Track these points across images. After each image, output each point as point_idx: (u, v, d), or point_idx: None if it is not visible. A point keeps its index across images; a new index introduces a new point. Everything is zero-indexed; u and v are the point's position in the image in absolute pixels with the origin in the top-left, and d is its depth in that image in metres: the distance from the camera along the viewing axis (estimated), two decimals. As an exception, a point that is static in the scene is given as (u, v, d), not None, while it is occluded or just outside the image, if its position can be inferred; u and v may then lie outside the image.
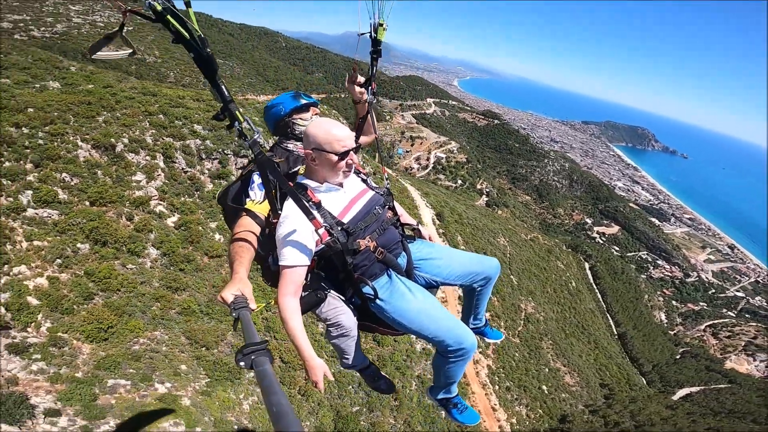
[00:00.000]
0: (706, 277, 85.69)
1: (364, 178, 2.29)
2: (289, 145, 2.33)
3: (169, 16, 1.18)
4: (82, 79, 15.01)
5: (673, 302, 73.52)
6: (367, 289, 2.00)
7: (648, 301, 66.69)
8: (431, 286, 2.27)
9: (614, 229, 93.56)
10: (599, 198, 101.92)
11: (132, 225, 10.93)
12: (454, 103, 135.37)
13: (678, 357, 53.59)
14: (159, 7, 1.16)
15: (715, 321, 67.04)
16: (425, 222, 31.82)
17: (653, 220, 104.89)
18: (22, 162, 10.04)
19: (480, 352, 25.49)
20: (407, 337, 20.94)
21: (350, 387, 14.55)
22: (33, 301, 8.00)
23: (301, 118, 2.36)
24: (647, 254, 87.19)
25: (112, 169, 11.71)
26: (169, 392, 7.77)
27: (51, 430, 6.37)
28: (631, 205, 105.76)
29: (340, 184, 2.10)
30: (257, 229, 2.05)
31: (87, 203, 10.48)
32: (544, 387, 27.45)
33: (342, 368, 2.48)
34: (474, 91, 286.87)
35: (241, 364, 1.23)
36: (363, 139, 2.62)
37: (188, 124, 14.41)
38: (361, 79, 2.49)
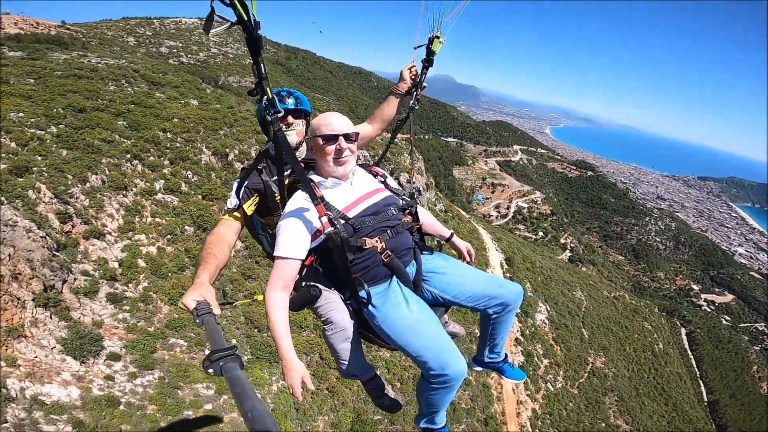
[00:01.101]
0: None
1: (382, 179, 2.34)
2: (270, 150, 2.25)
3: (236, 1, 1.35)
4: (213, 99, 21.67)
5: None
6: (362, 293, 1.98)
7: (756, 372, 60.09)
8: (438, 304, 2.22)
9: (727, 297, 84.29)
10: (711, 263, 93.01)
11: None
12: (543, 151, 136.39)
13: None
14: None
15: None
16: (492, 264, 35.36)
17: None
18: (162, 158, 15.29)
19: (528, 395, 26.88)
20: None
21: None
22: (141, 263, 11.93)
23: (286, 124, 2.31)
24: (765, 326, 77.23)
25: (222, 173, 16.35)
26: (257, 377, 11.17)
27: (104, 371, 8.90)
28: (752, 273, 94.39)
29: (348, 180, 2.16)
30: (231, 237, 2.14)
31: (199, 197, 15.16)
32: None
33: (341, 376, 2.37)
34: (568, 141, 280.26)
35: (210, 371, 1.24)
36: (366, 128, 2.69)
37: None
38: (405, 84, 2.64)
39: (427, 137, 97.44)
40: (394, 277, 2.06)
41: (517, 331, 31.03)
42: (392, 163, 28.48)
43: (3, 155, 10.68)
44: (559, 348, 32.94)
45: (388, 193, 2.23)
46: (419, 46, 2.53)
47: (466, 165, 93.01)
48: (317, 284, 2.07)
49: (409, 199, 2.32)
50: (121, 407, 8.90)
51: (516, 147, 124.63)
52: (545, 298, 37.08)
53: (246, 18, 1.40)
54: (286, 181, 2.15)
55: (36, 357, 8.64)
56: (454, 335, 2.57)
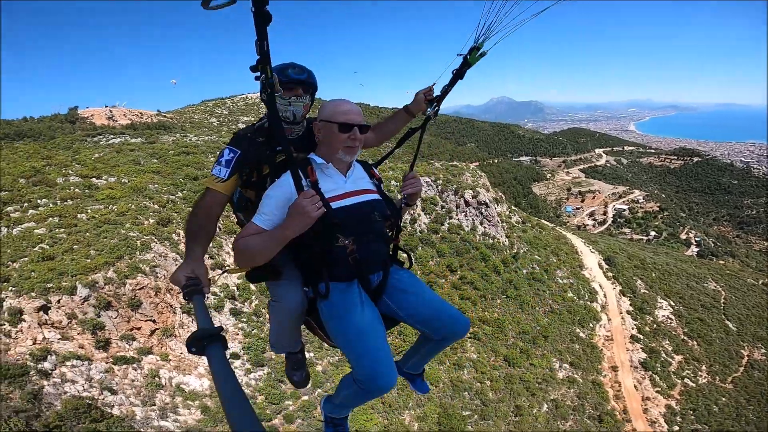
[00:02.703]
0: None
1: (377, 183, 2.36)
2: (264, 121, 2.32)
3: None
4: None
5: None
6: (321, 285, 2.02)
7: None
8: (391, 318, 2.26)
9: None
10: None
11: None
12: (631, 148, 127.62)
13: None
14: None
15: None
16: (588, 266, 33.49)
17: None
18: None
19: (658, 391, 24.77)
20: (547, 362, 22.92)
21: (465, 393, 17.74)
22: (252, 287, 14.69)
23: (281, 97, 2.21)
24: None
25: None
26: (310, 360, 13.50)
27: None
28: None
29: (345, 172, 2.19)
30: (218, 210, 2.11)
31: None
32: None
33: (270, 347, 2.51)
34: (660, 132, 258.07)
35: (193, 350, 1.26)
36: (371, 138, 2.69)
37: None
38: (417, 107, 2.64)
39: (496, 161, 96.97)
40: (356, 281, 2.11)
41: (633, 328, 28.85)
42: (453, 183, 29.73)
43: (151, 213, 14.56)
44: (695, 343, 29.39)
45: (377, 196, 2.25)
46: (461, 55, 2.46)
47: (545, 179, 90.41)
48: (279, 266, 2.13)
49: (395, 209, 2.35)
50: None
51: (599, 151, 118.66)
52: (665, 293, 33.75)
53: None
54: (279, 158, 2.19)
55: (182, 353, 11.17)
56: None
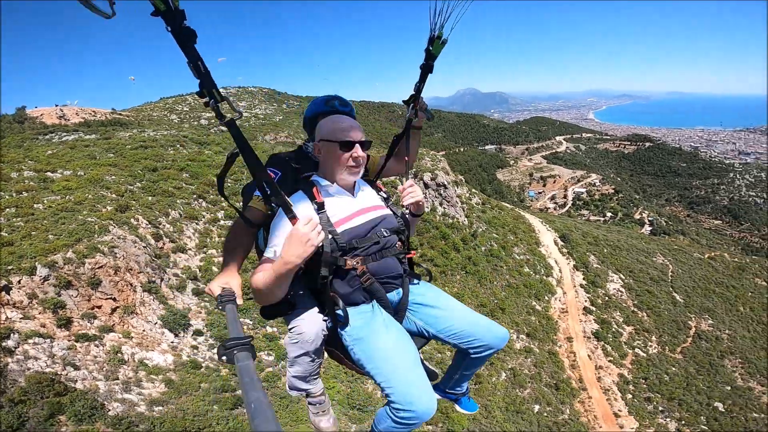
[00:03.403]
0: None
1: (385, 196, 2.30)
2: (309, 146, 2.36)
3: None
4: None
5: None
6: (339, 311, 1.95)
7: None
8: (420, 336, 2.21)
9: None
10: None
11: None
12: (588, 135, 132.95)
13: None
14: None
15: None
16: (544, 243, 35.23)
17: None
18: (219, 195, 18.61)
19: (610, 360, 26.26)
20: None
21: (427, 362, 19.07)
22: (215, 269, 15.25)
23: None
24: None
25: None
26: (274, 333, 14.17)
27: (191, 342, 11.77)
28: None
29: (352, 191, 2.15)
30: (255, 227, 2.12)
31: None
32: (719, 404, 25.82)
33: (287, 387, 2.38)
34: (617, 120, 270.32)
35: (223, 358, 1.30)
36: (395, 168, 2.65)
37: None
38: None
39: (462, 149, 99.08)
40: (375, 302, 2.05)
41: (586, 300, 30.69)
42: (413, 167, 30.76)
43: (109, 202, 14.69)
44: (644, 314, 31.59)
45: (386, 211, 2.20)
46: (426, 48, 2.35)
47: (509, 166, 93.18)
48: (293, 299, 2.07)
49: (404, 222, 2.25)
50: (202, 369, 11.43)
51: (559, 138, 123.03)
52: (616, 267, 36.07)
53: (163, 8, 1.30)
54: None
55: (144, 330, 11.56)
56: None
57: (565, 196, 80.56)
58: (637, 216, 74.42)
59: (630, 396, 24.87)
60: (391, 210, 2.25)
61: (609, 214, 74.40)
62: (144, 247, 13.14)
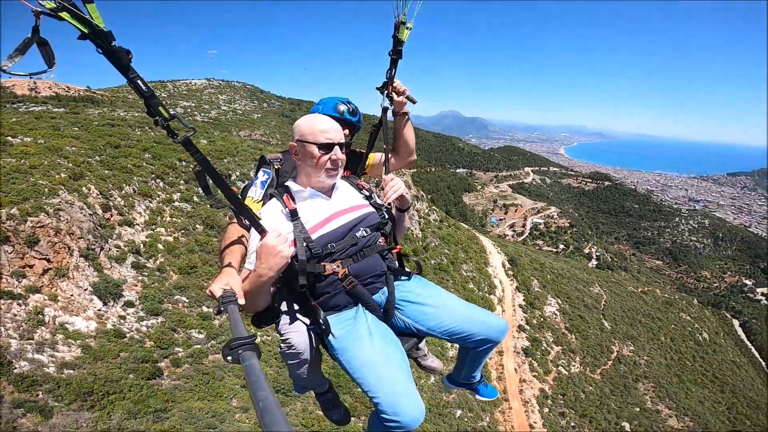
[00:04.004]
0: None
1: (368, 194, 2.21)
2: None
3: (62, 14, 1.21)
4: (220, 139, 26.60)
5: None
6: (321, 322, 1.90)
7: None
8: (411, 334, 2.13)
9: None
10: (759, 255, 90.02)
11: (230, 220, 18.94)
12: (555, 169, 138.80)
13: None
14: (51, 5, 1.18)
15: None
16: (493, 264, 37.09)
17: None
18: (178, 178, 19.50)
19: (535, 376, 27.66)
20: (440, 341, 25.41)
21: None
22: (161, 246, 15.70)
23: None
24: None
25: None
26: (208, 313, 14.40)
27: (119, 312, 11.80)
28: None
29: (328, 193, 2.07)
30: (247, 230, 2.06)
31: (208, 206, 19.04)
32: (627, 425, 27.72)
33: (294, 390, 2.38)
34: (584, 157, 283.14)
35: (229, 358, 1.29)
36: (396, 162, 2.66)
37: None
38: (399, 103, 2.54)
39: (433, 170, 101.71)
40: (360, 306, 1.99)
41: (522, 319, 32.40)
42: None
43: (64, 170, 14.88)
44: (573, 336, 33.62)
45: (368, 209, 2.12)
46: (393, 35, 2.35)
47: (476, 191, 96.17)
48: (279, 307, 2.02)
49: (387, 217, 2.18)
50: (125, 339, 11.62)
51: (527, 169, 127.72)
52: (555, 293, 38.27)
53: (87, 31, 1.27)
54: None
55: (72, 295, 11.76)
56: (432, 370, 2.61)
57: (524, 225, 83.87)
58: (586, 250, 78.34)
59: (547, 410, 26.23)
60: (375, 207, 2.17)
61: (562, 246, 78.00)
62: (90, 215, 13.39)
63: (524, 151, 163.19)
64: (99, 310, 12.00)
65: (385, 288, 2.06)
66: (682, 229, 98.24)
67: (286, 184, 2.11)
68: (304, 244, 1.88)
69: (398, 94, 2.50)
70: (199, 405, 11.08)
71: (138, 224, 15.83)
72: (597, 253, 77.83)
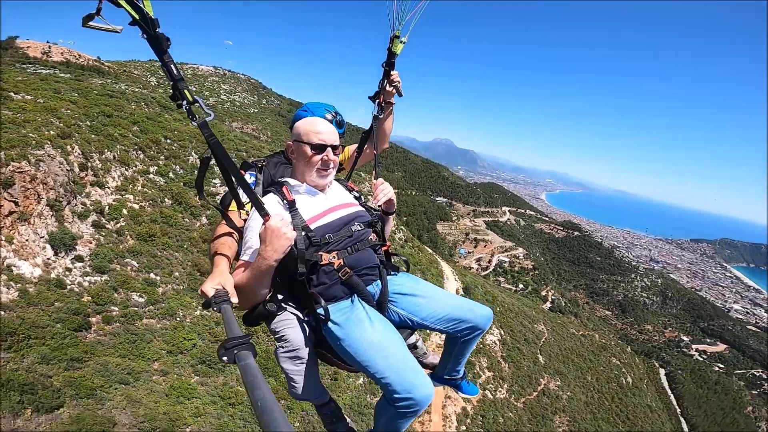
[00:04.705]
0: None
1: (357, 195, 2.33)
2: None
3: (121, 0, 1.33)
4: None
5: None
6: (320, 309, 1.93)
7: (752, 412, 62.18)
8: (405, 326, 2.17)
9: (720, 347, 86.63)
10: (701, 316, 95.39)
11: (199, 202, 19.64)
12: (531, 213, 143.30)
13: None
14: None
15: None
16: (447, 290, 39.61)
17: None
18: (159, 153, 20.66)
19: (463, 398, 29.27)
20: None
21: None
22: (125, 211, 16.51)
23: None
24: (762, 372, 78.20)
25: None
26: (155, 280, 15.43)
27: (67, 264, 13.00)
28: (750, 327, 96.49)
29: (323, 190, 2.17)
30: (236, 232, 2.12)
31: (181, 183, 19.94)
32: None
33: (292, 397, 2.30)
34: (564, 206, 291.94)
35: (224, 359, 1.27)
36: (370, 151, 2.79)
37: (256, 155, 25.66)
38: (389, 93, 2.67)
39: (414, 193, 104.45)
40: (356, 297, 2.02)
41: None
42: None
43: (55, 128, 16.15)
44: (507, 366, 35.64)
45: (359, 208, 2.22)
46: (388, 48, 2.49)
47: (451, 221, 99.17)
48: (275, 301, 2.04)
49: (377, 216, 2.29)
50: (65, 291, 12.39)
51: (505, 208, 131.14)
52: (500, 324, 40.64)
53: (139, 17, 1.43)
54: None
55: (27, 240, 12.57)
56: (434, 368, 2.64)
57: (490, 261, 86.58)
58: (543, 293, 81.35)
59: (464, 428, 27.72)
60: (364, 207, 2.28)
61: (521, 286, 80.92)
62: (68, 171, 14.57)
63: (506, 190, 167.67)
64: (48, 258, 12.91)
65: (379, 281, 2.10)
66: (636, 285, 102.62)
67: (282, 179, 2.21)
68: (303, 233, 1.94)
69: (391, 83, 2.63)
70: (117, 361, 11.74)
71: (109, 187, 16.98)
72: (553, 297, 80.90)
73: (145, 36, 1.48)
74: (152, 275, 15.70)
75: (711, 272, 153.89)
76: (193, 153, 23.29)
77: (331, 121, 2.47)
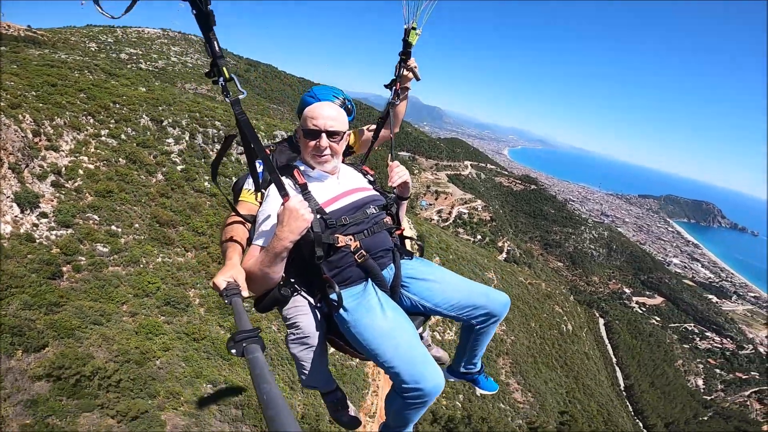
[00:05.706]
0: (766, 350, 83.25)
1: (372, 179, 2.32)
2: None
3: None
4: (159, 89, 28.00)
5: (717, 370, 73.80)
6: (333, 295, 1.92)
7: (682, 366, 69.08)
8: (418, 312, 2.16)
9: (657, 300, 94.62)
10: (642, 269, 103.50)
11: (154, 160, 20.99)
12: (492, 167, 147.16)
13: (705, 418, 56.39)
14: None
15: (764, 387, 67.10)
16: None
17: (711, 296, 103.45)
18: (110, 117, 20.85)
19: (480, 393, 31.86)
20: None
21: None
22: (81, 171, 17.05)
23: None
24: (694, 326, 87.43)
25: (156, 133, 22.10)
26: (117, 231, 17.04)
27: (33, 221, 14.01)
28: (686, 281, 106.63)
29: (333, 173, 2.16)
30: (248, 221, 2.09)
31: (134, 144, 20.74)
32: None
33: (301, 385, 2.30)
34: (525, 162, 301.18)
35: (233, 351, 1.28)
36: (384, 134, 2.87)
37: (213, 122, 25.75)
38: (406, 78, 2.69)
39: (377, 148, 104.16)
40: (370, 280, 2.01)
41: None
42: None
43: (4, 100, 16.27)
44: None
45: (373, 192, 2.21)
46: (403, 39, 2.53)
47: (413, 174, 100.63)
48: (289, 285, 2.04)
49: (392, 199, 2.27)
50: (35, 244, 13.46)
51: (467, 162, 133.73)
52: (452, 270, 43.56)
53: None
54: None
55: None
56: (436, 360, 2.53)
57: (450, 213, 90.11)
58: (500, 244, 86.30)
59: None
60: (378, 191, 2.27)
61: (479, 237, 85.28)
62: (22, 137, 15.31)
63: (469, 145, 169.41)
64: (16, 216, 13.94)
65: (392, 264, 2.10)
66: (585, 237, 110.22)
67: (294, 164, 2.17)
68: (318, 216, 1.91)
69: (408, 69, 2.66)
70: (90, 304, 13.01)
71: (63, 151, 17.71)
72: (508, 248, 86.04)
73: (194, 11, 1.51)
74: (113, 227, 16.61)
75: (655, 227, 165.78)
76: (144, 116, 23.31)
77: (337, 95, 2.57)
